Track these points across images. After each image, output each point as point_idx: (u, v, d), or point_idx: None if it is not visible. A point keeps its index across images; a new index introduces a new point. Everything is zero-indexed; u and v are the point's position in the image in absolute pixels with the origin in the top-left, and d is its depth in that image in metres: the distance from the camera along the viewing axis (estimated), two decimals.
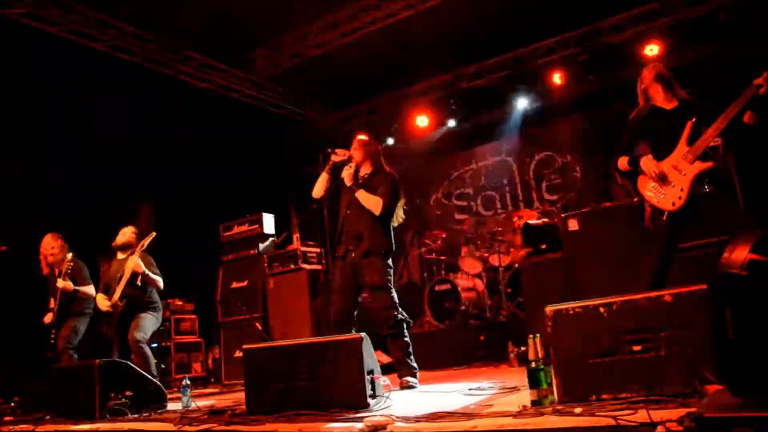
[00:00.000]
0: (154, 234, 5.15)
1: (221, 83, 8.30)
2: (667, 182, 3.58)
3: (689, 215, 3.52)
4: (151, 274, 5.13)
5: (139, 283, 5.07)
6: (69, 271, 5.35)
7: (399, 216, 4.59)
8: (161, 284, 5.25)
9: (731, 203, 3.57)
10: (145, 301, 5.16)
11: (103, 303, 5.14)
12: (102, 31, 6.91)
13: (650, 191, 3.66)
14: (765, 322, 1.62)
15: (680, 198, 3.51)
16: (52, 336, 5.32)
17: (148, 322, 5.09)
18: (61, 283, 5.29)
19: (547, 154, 8.31)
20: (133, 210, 5.89)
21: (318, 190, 4.58)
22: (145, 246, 5.07)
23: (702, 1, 7.01)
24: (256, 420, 3.06)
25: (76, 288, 5.34)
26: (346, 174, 4.43)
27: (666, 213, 3.57)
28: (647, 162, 3.67)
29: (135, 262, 4.99)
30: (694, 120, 3.54)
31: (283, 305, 7.25)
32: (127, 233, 5.37)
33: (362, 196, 4.35)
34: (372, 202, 4.32)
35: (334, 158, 4.52)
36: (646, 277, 3.55)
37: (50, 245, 5.51)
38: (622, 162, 3.80)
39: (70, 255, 5.49)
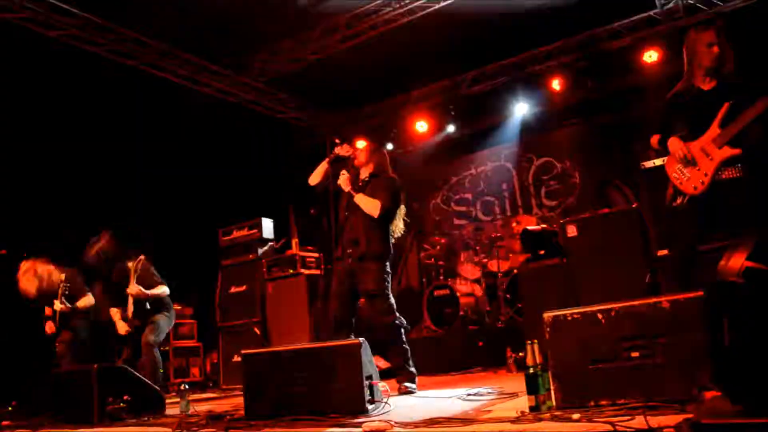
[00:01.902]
0: (143, 258, 5.25)
1: (220, 87, 8.31)
2: (693, 165, 3.46)
3: (711, 202, 3.40)
4: (152, 292, 5.21)
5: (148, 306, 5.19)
6: (66, 292, 5.34)
7: (399, 228, 4.58)
8: (166, 292, 5.32)
9: (757, 193, 3.42)
10: (156, 303, 5.28)
11: (122, 328, 5.24)
12: (101, 36, 6.93)
13: (675, 172, 3.55)
14: (761, 328, 1.62)
15: (702, 183, 3.40)
16: (57, 344, 5.33)
17: (162, 324, 5.22)
18: (58, 305, 5.28)
19: (546, 159, 8.33)
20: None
21: (315, 177, 4.58)
22: (138, 270, 5.13)
23: (700, 9, 7.04)
24: (255, 425, 3.06)
25: (74, 306, 5.35)
26: (343, 180, 4.41)
27: (687, 196, 3.48)
28: (674, 142, 3.56)
29: (133, 290, 5.08)
30: (731, 102, 3.39)
31: (281, 310, 7.24)
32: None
33: (361, 199, 4.34)
34: (370, 205, 4.31)
35: (338, 150, 4.52)
36: (670, 271, 3.51)
37: (43, 272, 5.43)
38: (654, 140, 3.70)
39: (63, 276, 5.42)
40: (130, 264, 5.24)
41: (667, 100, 3.71)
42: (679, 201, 3.52)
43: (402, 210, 4.57)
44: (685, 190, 3.49)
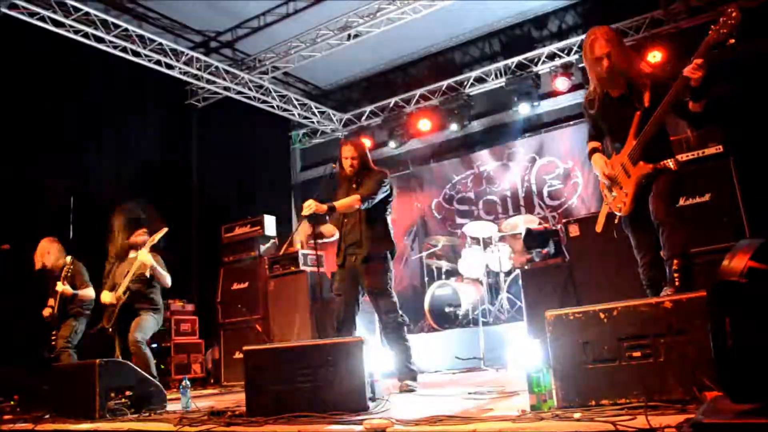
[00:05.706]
0: (165, 229, 5.09)
1: (225, 85, 8.32)
2: (616, 183, 3.31)
3: (641, 213, 3.26)
4: (159, 269, 5.10)
5: (148, 274, 5.05)
6: (68, 275, 5.35)
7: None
8: (169, 281, 5.20)
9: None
10: (147, 300, 5.13)
11: (107, 298, 5.13)
12: (107, 32, 6.94)
13: (605, 189, 3.45)
14: (764, 329, 1.62)
15: (625, 203, 3.27)
16: (53, 337, 5.33)
17: (149, 323, 5.05)
18: (60, 286, 5.29)
19: (548, 159, 8.31)
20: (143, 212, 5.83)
21: (297, 238, 4.41)
22: (155, 240, 5.05)
23: (705, 10, 7.04)
24: (256, 421, 3.06)
25: (75, 292, 5.35)
26: (311, 206, 4.11)
27: (617, 216, 3.41)
28: (597, 161, 3.42)
29: (144, 256, 4.96)
30: (642, 111, 3.16)
31: (283, 307, 7.25)
32: (139, 233, 5.33)
33: (341, 205, 4.23)
34: (352, 202, 4.23)
35: (307, 211, 4.14)
36: (642, 280, 3.44)
37: (46, 249, 5.50)
38: (588, 148, 3.55)
39: (69, 258, 5.48)
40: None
41: (584, 107, 3.53)
42: (617, 221, 3.42)
43: (393, 198, 4.56)
44: (613, 209, 3.40)
